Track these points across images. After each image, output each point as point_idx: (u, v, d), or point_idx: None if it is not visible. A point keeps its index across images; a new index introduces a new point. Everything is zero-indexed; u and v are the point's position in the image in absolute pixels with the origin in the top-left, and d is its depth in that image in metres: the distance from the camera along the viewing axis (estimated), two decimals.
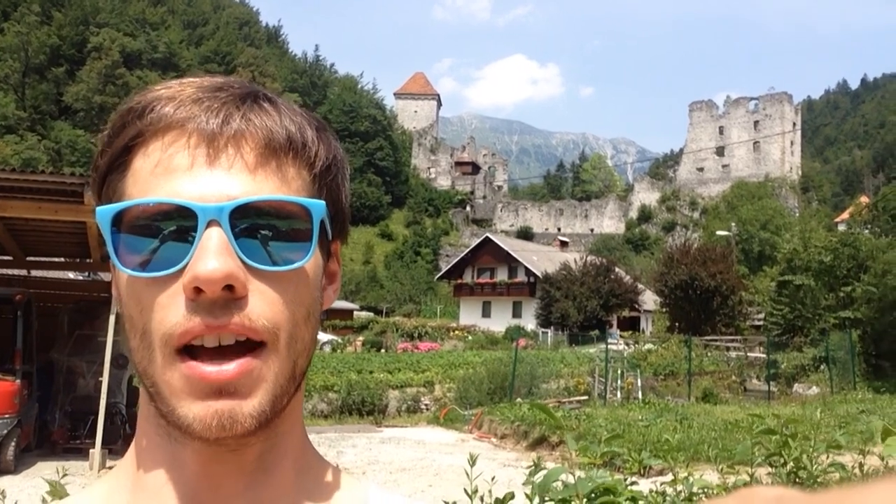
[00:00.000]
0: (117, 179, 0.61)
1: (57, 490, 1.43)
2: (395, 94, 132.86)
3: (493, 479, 2.59)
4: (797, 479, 3.02)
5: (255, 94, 0.63)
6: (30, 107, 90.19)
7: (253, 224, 0.58)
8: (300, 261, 0.59)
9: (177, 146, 0.59)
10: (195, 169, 0.58)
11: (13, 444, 9.63)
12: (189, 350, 0.56)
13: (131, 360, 0.60)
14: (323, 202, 0.61)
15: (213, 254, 0.55)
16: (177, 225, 0.57)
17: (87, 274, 19.58)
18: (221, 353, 0.56)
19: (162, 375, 0.57)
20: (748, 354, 26.44)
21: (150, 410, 0.62)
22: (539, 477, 1.63)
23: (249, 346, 0.57)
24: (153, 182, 0.58)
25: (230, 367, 0.56)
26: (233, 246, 0.56)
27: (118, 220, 0.58)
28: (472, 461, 1.90)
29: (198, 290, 0.55)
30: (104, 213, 0.59)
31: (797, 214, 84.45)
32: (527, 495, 1.78)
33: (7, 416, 9.53)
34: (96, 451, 9.58)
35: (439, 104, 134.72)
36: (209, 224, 0.56)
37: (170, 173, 0.58)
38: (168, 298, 0.56)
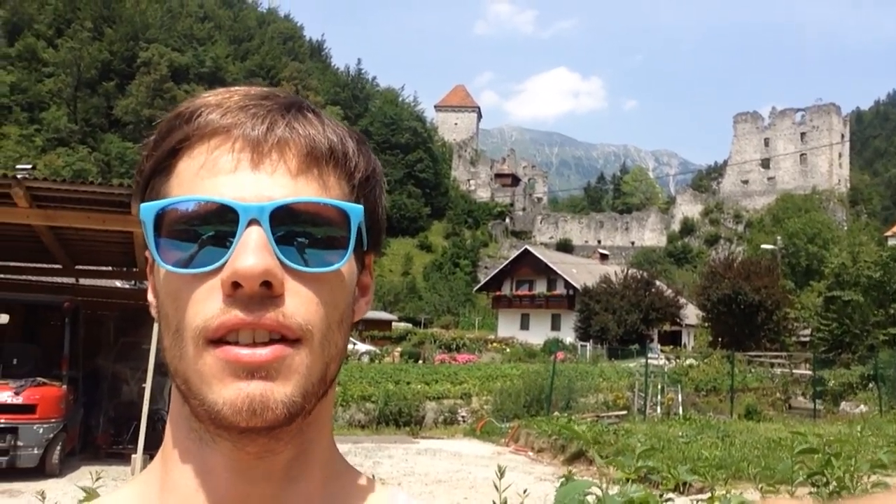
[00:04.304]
0: (161, 182, 0.62)
1: (91, 495, 1.46)
2: (435, 107, 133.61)
3: (525, 491, 2.56)
4: (839, 500, 2.93)
5: (300, 104, 0.64)
6: (81, 120, 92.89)
7: (292, 227, 0.58)
8: (336, 263, 0.60)
9: (222, 150, 0.60)
10: (239, 171, 0.59)
11: (58, 448, 9.88)
12: (223, 344, 0.57)
13: (164, 360, 0.61)
14: (361, 207, 0.61)
15: (252, 250, 0.55)
16: (218, 223, 0.57)
17: (132, 282, 20.00)
18: (255, 346, 0.57)
19: (193, 365, 0.57)
20: (793, 371, 25.75)
21: (180, 414, 0.62)
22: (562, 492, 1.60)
23: (283, 343, 0.57)
24: (197, 183, 0.59)
25: (264, 351, 0.56)
26: (272, 245, 0.56)
27: (161, 218, 0.59)
28: (501, 473, 1.88)
29: (236, 286, 0.55)
30: (148, 210, 0.59)
31: (846, 228, 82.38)
32: None
33: (53, 420, 9.78)
34: (138, 457, 9.74)
35: (479, 116, 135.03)
36: (250, 223, 0.56)
37: (214, 175, 0.59)
38: (205, 293, 0.56)
